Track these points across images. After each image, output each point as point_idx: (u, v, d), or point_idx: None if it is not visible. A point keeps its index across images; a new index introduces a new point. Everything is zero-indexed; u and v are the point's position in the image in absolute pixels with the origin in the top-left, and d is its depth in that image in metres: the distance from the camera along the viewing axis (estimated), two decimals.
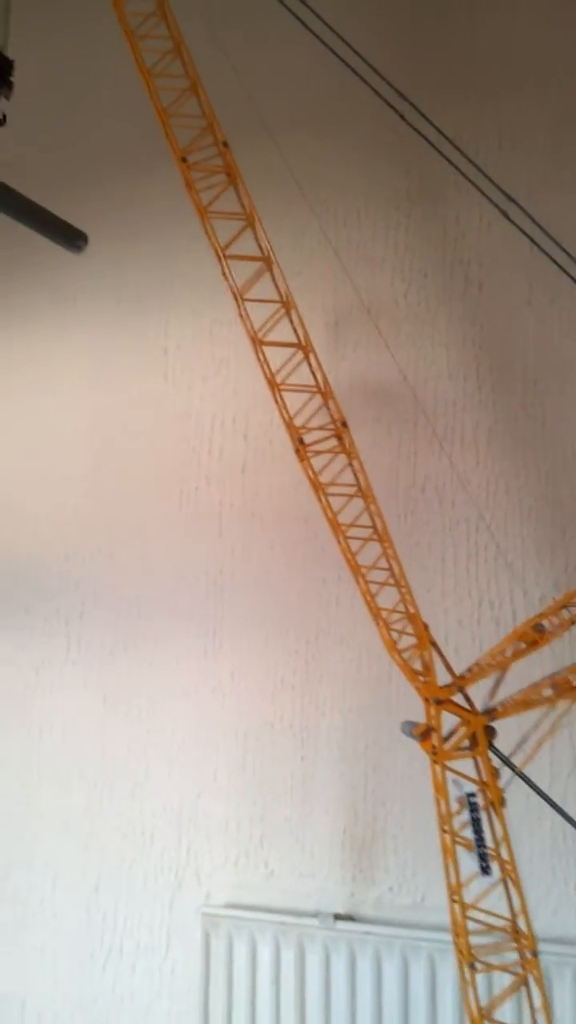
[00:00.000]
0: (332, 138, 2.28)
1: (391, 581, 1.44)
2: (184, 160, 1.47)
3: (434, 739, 1.40)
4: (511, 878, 1.40)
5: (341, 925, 2.05)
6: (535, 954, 1.43)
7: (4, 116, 1.58)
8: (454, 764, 1.44)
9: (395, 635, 1.47)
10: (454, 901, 1.43)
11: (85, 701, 2.39)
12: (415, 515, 2.15)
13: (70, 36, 2.45)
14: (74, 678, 2.41)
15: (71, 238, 1.73)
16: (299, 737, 2.21)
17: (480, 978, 1.47)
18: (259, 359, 1.50)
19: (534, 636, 1.42)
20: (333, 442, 1.49)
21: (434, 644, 1.46)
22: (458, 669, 1.59)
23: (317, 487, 1.42)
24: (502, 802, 1.41)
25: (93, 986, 2.31)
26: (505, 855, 1.41)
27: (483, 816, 1.39)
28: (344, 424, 1.46)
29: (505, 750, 1.47)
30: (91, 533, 2.45)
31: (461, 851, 1.43)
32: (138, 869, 2.29)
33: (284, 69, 2.25)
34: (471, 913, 1.42)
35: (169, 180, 2.08)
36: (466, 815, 1.42)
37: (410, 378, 2.15)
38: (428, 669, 1.43)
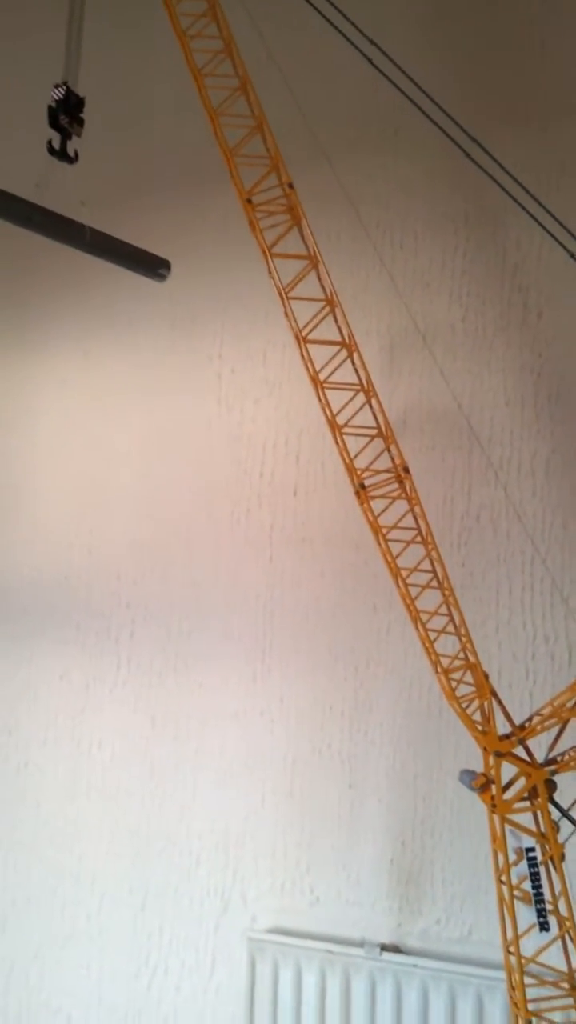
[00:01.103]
0: (390, 162, 2.26)
1: (451, 629, 1.43)
2: (249, 201, 1.46)
3: (493, 791, 1.38)
4: (570, 934, 1.38)
5: (387, 956, 2.05)
6: None
7: (76, 153, 1.59)
8: (513, 815, 1.43)
9: (454, 682, 1.46)
10: (510, 954, 1.42)
11: (134, 720, 2.40)
12: (469, 545, 2.12)
13: (127, 68, 2.44)
14: (124, 697, 2.42)
15: (154, 267, 1.73)
16: (347, 765, 2.20)
17: None
18: (320, 400, 1.48)
19: None
20: (393, 485, 1.48)
21: (494, 694, 1.44)
22: (512, 705, 1.57)
23: (377, 531, 1.41)
24: (561, 856, 1.39)
25: (138, 1003, 2.33)
26: (564, 910, 1.39)
27: (542, 870, 1.37)
28: (406, 470, 1.44)
29: (565, 803, 1.45)
30: (142, 553, 2.46)
31: (518, 903, 1.41)
32: (184, 890, 2.31)
33: (342, 94, 2.23)
34: (527, 966, 1.40)
35: (223, 207, 2.08)
36: (524, 867, 1.40)
37: (465, 405, 2.13)
38: (488, 719, 1.41)
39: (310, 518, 2.30)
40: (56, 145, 1.57)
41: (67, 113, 1.55)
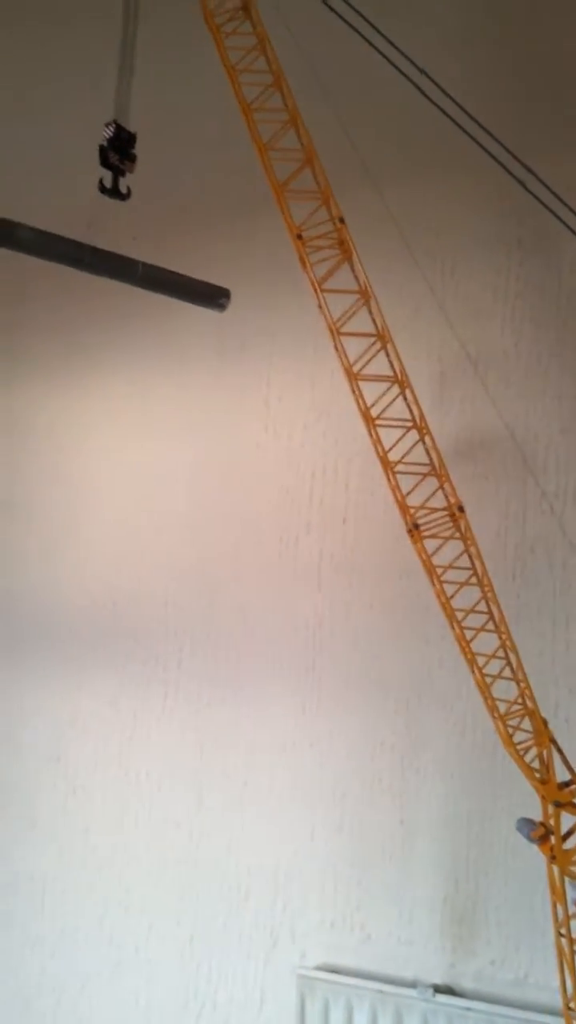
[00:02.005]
0: (440, 188, 2.22)
1: (508, 673, 1.38)
2: (299, 237, 1.44)
3: (552, 842, 1.34)
4: None
5: (441, 998, 2.00)
6: None
7: (128, 189, 1.58)
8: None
9: (511, 728, 1.41)
10: (571, 1010, 1.36)
11: (182, 750, 2.38)
12: (524, 577, 2.07)
13: (177, 102, 2.44)
14: (171, 726, 2.41)
15: (214, 297, 1.71)
16: (398, 800, 2.16)
17: None
18: (372, 437, 1.46)
19: None
20: (447, 523, 1.44)
21: (553, 741, 1.39)
22: (571, 745, 1.51)
23: (431, 571, 1.37)
24: None
25: None
26: None
27: None
28: (461, 509, 1.40)
29: None
30: (191, 580, 2.45)
31: None
32: (233, 923, 2.28)
33: (391, 120, 2.19)
34: None
35: (271, 236, 2.06)
36: None
37: (519, 434, 2.08)
38: (547, 767, 1.37)
39: (359, 547, 2.27)
40: (108, 183, 1.57)
41: (118, 150, 1.55)
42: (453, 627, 1.37)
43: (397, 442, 1.50)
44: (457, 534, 1.39)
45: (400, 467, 1.45)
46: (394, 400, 1.48)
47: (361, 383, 1.47)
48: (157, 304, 2.07)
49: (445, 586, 1.41)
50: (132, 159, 1.57)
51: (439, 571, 1.37)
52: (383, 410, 1.48)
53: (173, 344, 2.53)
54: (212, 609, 2.41)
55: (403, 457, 1.48)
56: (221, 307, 1.75)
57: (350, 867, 2.19)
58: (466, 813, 2.10)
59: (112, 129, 1.55)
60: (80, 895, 2.47)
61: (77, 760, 2.52)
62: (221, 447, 2.45)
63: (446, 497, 1.41)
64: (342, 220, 1.45)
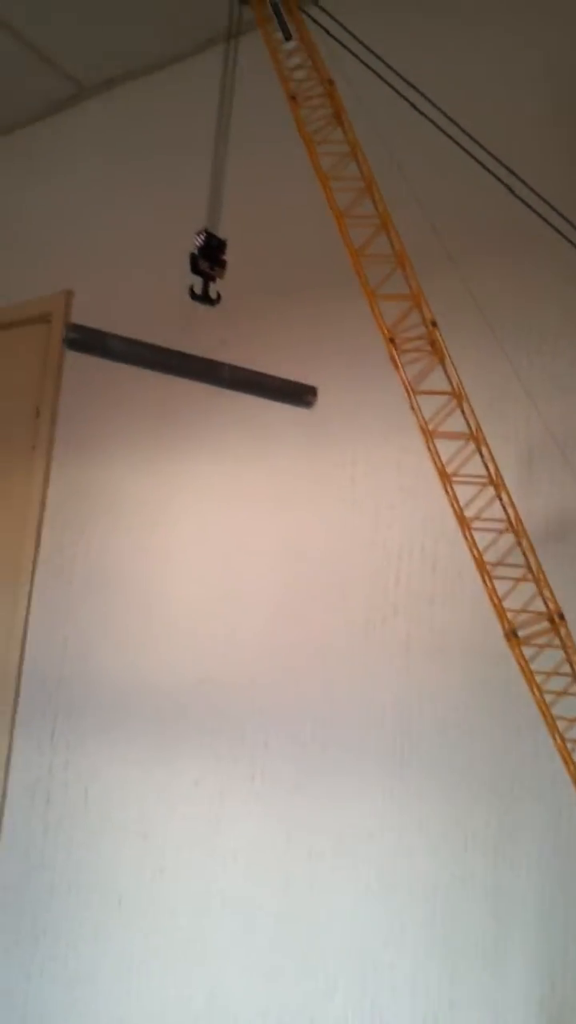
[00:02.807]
0: (523, 267, 2.21)
1: None
2: (392, 341, 1.45)
3: None
4: None
5: None
6: None
7: (218, 295, 1.63)
8: None
9: None
10: None
11: (268, 834, 2.36)
12: None
13: (265, 209, 2.51)
14: (258, 809, 2.39)
15: (300, 395, 1.75)
16: (492, 896, 2.09)
17: None
18: (468, 540, 1.44)
19: None
20: (545, 626, 1.41)
21: None
22: None
23: (531, 680, 1.34)
24: None
25: None
26: None
27: None
28: (561, 616, 1.37)
29: None
30: (276, 658, 2.45)
31: None
32: (319, 1018, 2.23)
33: (471, 201, 2.20)
34: None
35: (356, 318, 2.09)
36: None
37: None
38: None
39: (448, 629, 2.23)
40: (198, 290, 1.61)
41: (208, 258, 1.59)
42: (554, 737, 1.33)
43: (490, 545, 1.48)
44: (557, 641, 1.36)
45: (498, 571, 1.42)
46: (490, 502, 1.47)
47: (456, 484, 1.46)
48: (239, 361, 2.13)
49: (546, 692, 1.37)
50: (222, 266, 1.61)
51: (538, 682, 1.34)
52: (478, 512, 1.46)
53: (259, 421, 2.57)
54: (299, 690, 2.40)
55: (501, 559, 1.46)
56: (308, 404, 1.78)
57: (442, 964, 2.12)
58: (563, 909, 2.02)
59: (203, 237, 1.60)
60: (166, 980, 2.45)
61: (164, 839, 2.52)
62: (307, 524, 2.46)
63: (545, 603, 1.38)
64: (434, 323, 1.46)
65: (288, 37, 1.58)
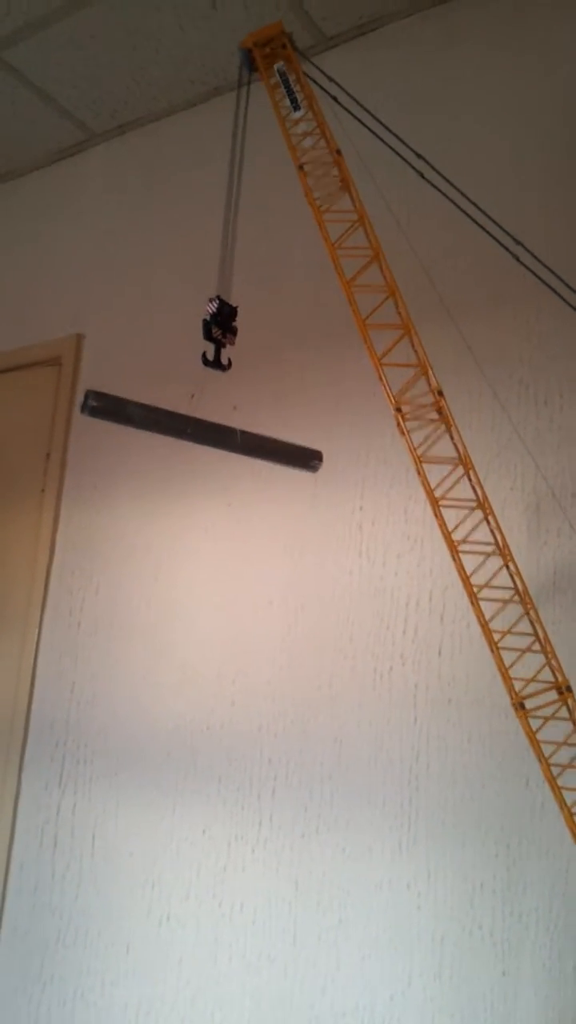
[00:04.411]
0: (528, 320, 2.23)
1: None
2: (399, 410, 1.46)
3: None
4: None
5: None
6: None
7: (229, 361, 1.65)
8: None
9: None
10: None
11: (276, 883, 2.36)
12: None
13: (271, 271, 2.55)
14: (266, 858, 2.39)
15: (307, 460, 1.77)
16: (500, 949, 2.08)
17: None
18: (475, 610, 1.45)
19: None
20: (551, 695, 1.41)
21: None
22: None
23: (539, 754, 1.34)
24: None
25: None
26: None
27: None
28: (568, 689, 1.38)
29: None
30: (284, 705, 2.46)
31: None
32: None
33: (467, 258, 2.23)
34: None
35: (362, 374, 2.12)
36: None
37: None
38: None
39: (456, 679, 2.24)
40: (210, 356, 1.64)
41: (220, 324, 1.61)
42: (563, 811, 1.33)
43: (497, 613, 1.49)
44: (565, 713, 1.36)
45: (504, 642, 1.43)
46: (497, 571, 1.48)
47: (464, 553, 1.47)
48: (250, 425, 2.15)
49: (552, 760, 1.38)
50: (233, 332, 1.64)
51: (548, 756, 1.34)
52: (487, 580, 1.47)
53: (267, 468, 2.57)
54: (306, 737, 2.41)
55: (509, 627, 1.47)
56: (313, 468, 1.80)
57: (450, 1018, 2.11)
58: (572, 963, 2.01)
59: (215, 304, 1.62)
60: None
61: (171, 887, 2.51)
62: (315, 571, 2.47)
63: (553, 673, 1.38)
64: (440, 392, 1.47)
65: (297, 107, 1.61)
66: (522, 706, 1.33)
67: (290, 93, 1.61)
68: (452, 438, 1.45)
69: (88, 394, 1.46)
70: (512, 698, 1.37)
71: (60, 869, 2.74)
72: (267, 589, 2.55)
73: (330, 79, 1.67)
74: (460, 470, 1.48)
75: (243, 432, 1.62)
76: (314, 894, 2.31)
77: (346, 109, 1.65)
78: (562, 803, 1.29)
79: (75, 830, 2.73)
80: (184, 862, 2.51)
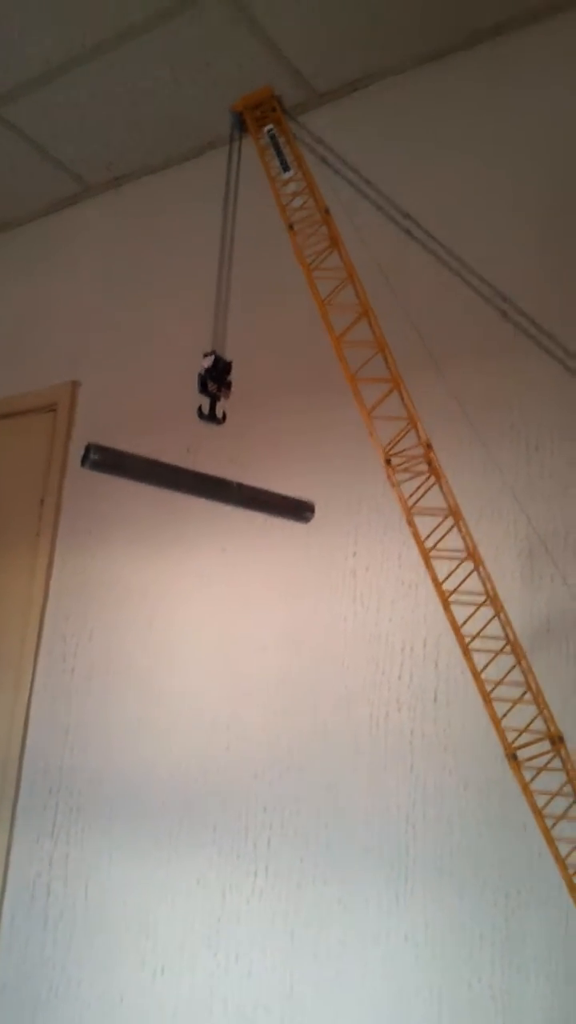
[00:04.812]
0: (518, 366, 2.26)
1: None
2: (388, 462, 1.48)
3: None
4: None
5: None
6: None
7: (224, 414, 1.68)
8: None
9: None
10: None
11: (272, 934, 2.33)
12: None
13: (264, 325, 2.59)
14: (261, 908, 2.36)
15: (300, 511, 1.80)
16: (500, 1002, 2.05)
17: None
18: (469, 664, 1.46)
19: None
20: (546, 746, 1.42)
21: None
22: None
23: (534, 807, 1.34)
24: None
25: None
26: None
27: None
28: (561, 739, 1.38)
29: None
30: (279, 752, 2.44)
31: None
32: None
33: (455, 312, 2.26)
34: None
35: (354, 415, 2.15)
36: None
37: None
38: None
39: (452, 726, 2.23)
40: (205, 410, 1.66)
41: (215, 379, 1.64)
42: (559, 864, 1.33)
43: (490, 661, 1.49)
44: (558, 764, 1.37)
45: (497, 692, 1.43)
46: (490, 621, 1.49)
47: (455, 603, 1.48)
48: (247, 476, 2.17)
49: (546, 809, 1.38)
50: (228, 386, 1.67)
51: (541, 807, 1.34)
52: (479, 630, 1.48)
53: (259, 514, 2.59)
54: (302, 785, 2.39)
55: (501, 677, 1.47)
56: (306, 519, 1.83)
57: None
58: (573, 1015, 1.98)
59: (211, 359, 1.65)
60: None
61: (167, 939, 2.48)
62: (309, 616, 2.47)
63: (546, 723, 1.39)
64: (429, 445, 1.49)
65: (286, 168, 1.65)
66: (515, 757, 1.34)
67: (280, 155, 1.65)
68: (442, 489, 1.47)
69: (90, 447, 1.48)
70: (505, 749, 1.37)
71: (53, 919, 2.70)
72: (262, 634, 2.55)
73: (319, 141, 1.72)
74: (450, 520, 1.50)
75: (240, 485, 1.65)
76: (311, 946, 2.28)
77: (334, 170, 1.69)
78: (557, 856, 1.28)
79: (68, 880, 2.70)
80: (178, 912, 2.48)
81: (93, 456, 1.45)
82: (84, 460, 1.47)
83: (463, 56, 2.57)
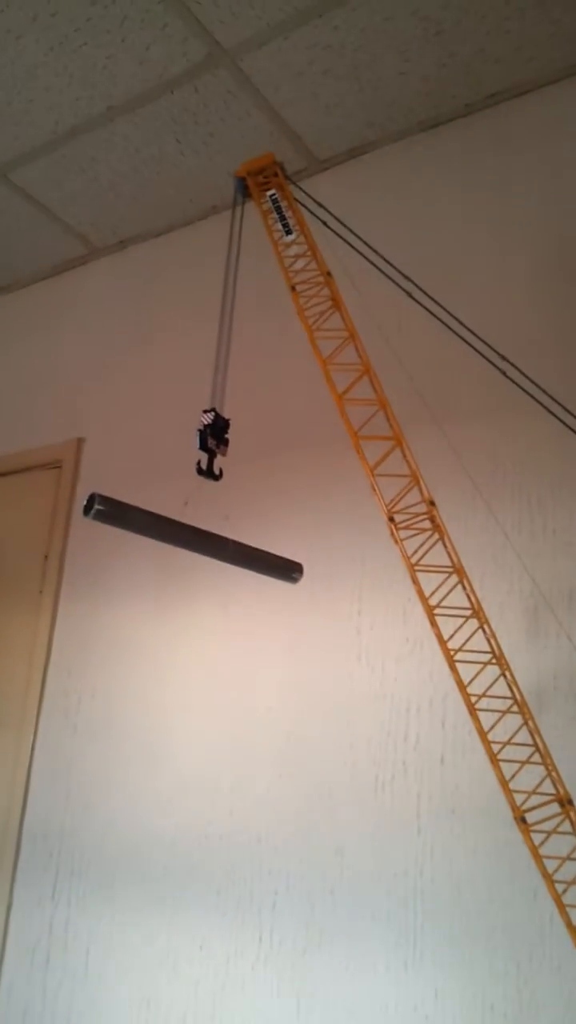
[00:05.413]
0: (518, 425, 2.27)
1: None
2: (392, 520, 1.48)
3: None
4: None
5: None
6: None
7: (221, 471, 1.69)
8: None
9: None
10: None
11: (278, 1003, 2.26)
12: None
13: (262, 386, 2.63)
14: (266, 976, 2.30)
15: (288, 571, 1.80)
16: None
17: None
18: (476, 725, 1.44)
19: None
20: (555, 809, 1.39)
21: None
22: None
23: (544, 872, 1.31)
24: None
25: None
26: None
27: None
28: (570, 802, 1.36)
29: None
30: (284, 814, 2.40)
31: None
32: None
33: (448, 365, 2.28)
34: None
35: (355, 466, 2.16)
36: None
37: None
38: None
39: (460, 788, 2.19)
40: (204, 466, 1.68)
41: (214, 436, 1.66)
42: (570, 932, 1.29)
43: (498, 721, 1.48)
44: (567, 826, 1.34)
45: (504, 754, 1.41)
46: (496, 680, 1.47)
47: (460, 662, 1.47)
48: (247, 532, 2.17)
49: (558, 879, 1.35)
50: (226, 443, 1.68)
51: (551, 872, 1.31)
52: (485, 689, 1.47)
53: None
54: (307, 848, 2.34)
55: (509, 737, 1.45)
56: (294, 580, 1.84)
57: None
58: None
59: (210, 416, 1.67)
60: None
61: (168, 1007, 2.41)
62: (313, 675, 2.45)
63: (554, 785, 1.37)
64: (432, 502, 1.50)
65: (289, 231, 1.68)
66: (524, 820, 1.31)
67: (282, 218, 1.69)
68: (445, 547, 1.47)
69: (94, 497, 1.48)
70: (514, 812, 1.35)
71: (52, 988, 2.63)
72: (266, 694, 2.52)
73: (320, 205, 1.75)
74: (455, 578, 1.49)
75: (234, 542, 1.65)
76: (317, 1014, 2.21)
77: (336, 233, 1.73)
78: (569, 924, 1.25)
79: (68, 946, 2.64)
80: (181, 980, 2.42)
81: (98, 506, 1.46)
82: (87, 510, 1.47)
83: (461, 124, 2.64)
